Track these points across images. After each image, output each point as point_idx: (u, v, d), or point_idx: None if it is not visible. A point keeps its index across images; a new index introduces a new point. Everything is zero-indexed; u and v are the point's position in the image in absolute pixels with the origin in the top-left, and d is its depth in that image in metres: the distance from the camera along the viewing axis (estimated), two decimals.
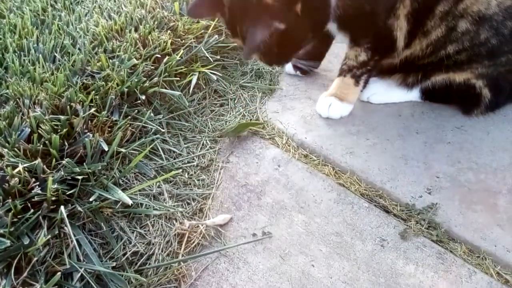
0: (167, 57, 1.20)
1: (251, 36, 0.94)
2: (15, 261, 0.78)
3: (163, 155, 1.07)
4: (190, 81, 1.25)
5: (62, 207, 0.82)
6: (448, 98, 1.23)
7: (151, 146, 1.05)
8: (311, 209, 1.01)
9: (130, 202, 0.86)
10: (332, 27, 1.12)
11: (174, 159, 1.09)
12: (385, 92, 1.26)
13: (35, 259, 0.79)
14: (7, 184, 0.85)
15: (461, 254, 0.94)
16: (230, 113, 1.25)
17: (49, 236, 0.78)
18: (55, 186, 0.85)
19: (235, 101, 1.29)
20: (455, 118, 1.25)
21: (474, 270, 0.90)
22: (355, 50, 1.17)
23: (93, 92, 1.05)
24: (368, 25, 1.12)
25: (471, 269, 0.90)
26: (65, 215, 0.80)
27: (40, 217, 0.84)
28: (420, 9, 1.07)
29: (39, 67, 1.12)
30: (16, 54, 1.19)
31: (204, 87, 1.28)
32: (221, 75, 1.31)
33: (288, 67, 1.39)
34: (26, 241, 0.80)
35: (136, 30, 1.27)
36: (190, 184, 1.04)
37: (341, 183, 1.07)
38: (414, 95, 1.26)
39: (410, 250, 0.94)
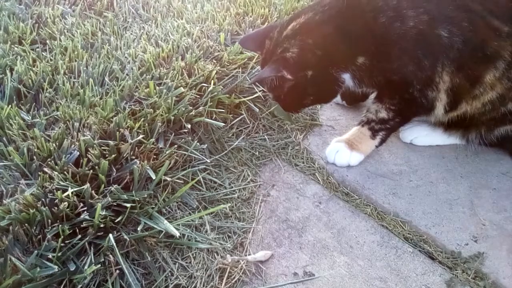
0: (211, 86, 1.21)
1: (262, 71, 1.12)
2: None
3: (205, 186, 1.07)
4: (232, 111, 1.26)
5: (110, 235, 0.81)
6: (499, 144, 1.20)
7: (197, 179, 1.05)
8: (353, 250, 0.99)
9: (177, 234, 0.86)
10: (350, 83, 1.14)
11: (216, 189, 1.08)
12: (428, 135, 1.25)
13: (79, 286, 0.79)
14: (56, 208, 0.86)
15: None
16: (271, 143, 1.24)
17: (99, 266, 0.78)
18: (103, 212, 0.86)
19: (277, 133, 1.28)
20: (499, 163, 1.22)
21: None
22: (377, 105, 1.16)
23: (142, 118, 1.06)
24: (396, 90, 1.12)
25: None
26: (114, 243, 0.80)
27: (86, 243, 0.84)
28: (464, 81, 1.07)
29: (88, 91, 1.14)
30: (66, 76, 1.22)
31: (246, 118, 1.28)
32: (262, 107, 1.31)
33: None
34: (72, 267, 0.80)
35: (182, 59, 1.29)
36: (231, 216, 1.03)
37: (384, 225, 1.05)
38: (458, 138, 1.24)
39: None
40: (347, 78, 1.11)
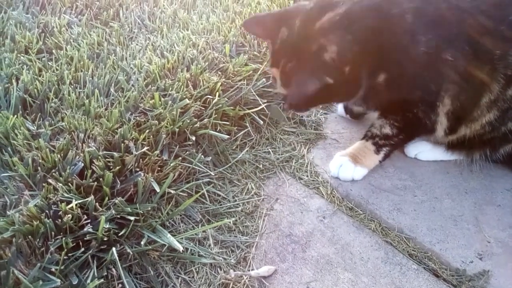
0: (216, 98, 1.21)
1: (302, 85, 0.99)
2: None
3: (209, 198, 1.06)
4: (236, 123, 1.26)
5: (113, 249, 0.81)
6: (505, 162, 1.19)
7: (201, 192, 1.04)
8: (357, 267, 0.98)
9: (181, 248, 0.85)
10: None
11: (219, 202, 1.08)
12: (433, 150, 1.25)
13: None
14: (59, 220, 0.85)
15: None
16: (275, 155, 1.24)
17: (102, 280, 0.77)
18: (107, 225, 0.85)
19: (281, 146, 1.28)
20: (504, 179, 1.21)
21: None
22: (381, 121, 1.16)
23: (147, 130, 1.06)
24: (399, 108, 1.12)
25: None
26: (117, 257, 0.79)
27: (89, 257, 0.83)
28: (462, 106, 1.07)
29: (94, 101, 1.15)
30: (72, 86, 1.22)
31: (250, 130, 1.27)
32: (266, 119, 1.31)
33: (340, 109, 1.41)
34: (75, 280, 0.80)
35: (187, 70, 1.29)
36: (234, 230, 1.03)
37: (389, 241, 1.04)
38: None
39: None
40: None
